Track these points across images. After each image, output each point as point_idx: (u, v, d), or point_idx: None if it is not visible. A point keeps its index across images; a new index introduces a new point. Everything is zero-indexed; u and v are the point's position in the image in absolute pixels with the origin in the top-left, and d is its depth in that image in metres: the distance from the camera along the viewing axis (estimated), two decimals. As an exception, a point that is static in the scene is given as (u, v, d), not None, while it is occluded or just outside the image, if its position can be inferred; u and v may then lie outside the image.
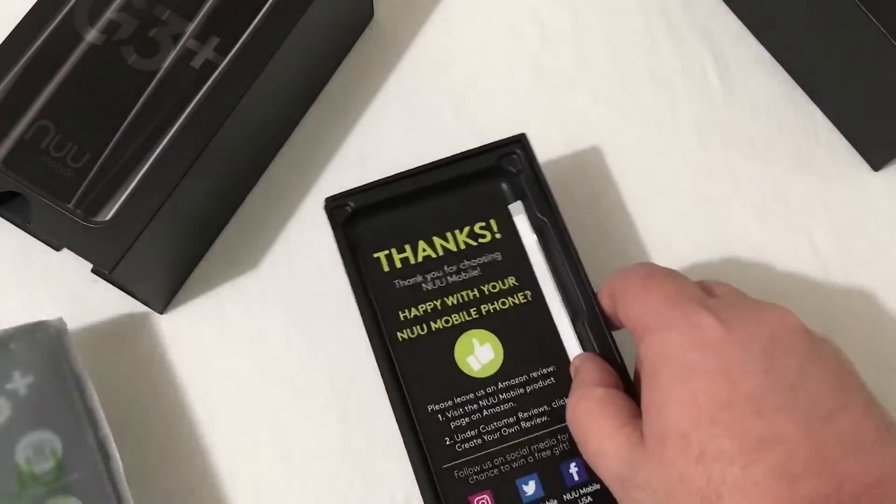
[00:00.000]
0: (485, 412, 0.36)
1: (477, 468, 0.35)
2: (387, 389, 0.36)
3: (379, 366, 0.36)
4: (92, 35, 0.39)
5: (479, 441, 0.35)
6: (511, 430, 0.35)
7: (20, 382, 0.37)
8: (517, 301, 0.37)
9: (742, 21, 0.48)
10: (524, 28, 0.48)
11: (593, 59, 0.48)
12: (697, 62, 0.48)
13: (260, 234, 0.44)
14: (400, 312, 0.37)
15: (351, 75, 0.47)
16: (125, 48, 0.39)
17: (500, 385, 0.36)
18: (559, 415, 0.35)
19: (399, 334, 0.37)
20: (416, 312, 0.37)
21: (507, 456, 0.35)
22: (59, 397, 0.37)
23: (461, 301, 0.37)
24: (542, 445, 0.35)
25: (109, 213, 0.37)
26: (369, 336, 0.37)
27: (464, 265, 0.38)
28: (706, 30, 0.48)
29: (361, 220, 0.39)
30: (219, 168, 0.40)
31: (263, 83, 0.39)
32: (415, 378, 0.36)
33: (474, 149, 0.40)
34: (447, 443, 0.35)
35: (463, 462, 0.35)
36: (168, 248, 0.40)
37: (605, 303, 0.35)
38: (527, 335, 0.37)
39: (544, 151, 0.46)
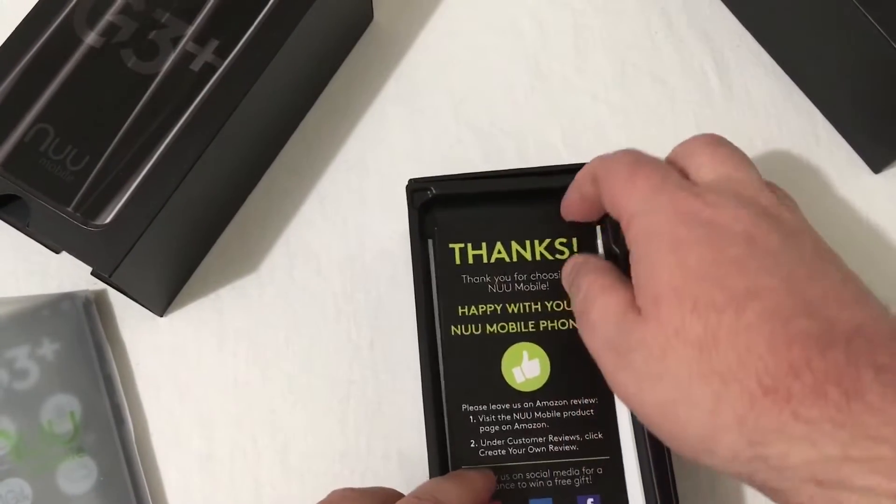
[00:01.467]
0: (517, 426, 0.36)
1: (495, 478, 0.35)
2: (423, 380, 0.36)
3: (421, 355, 0.36)
4: (91, 38, 0.39)
5: (504, 452, 0.35)
6: (538, 449, 0.35)
7: (48, 348, 0.40)
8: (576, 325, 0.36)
9: (742, 21, 0.48)
10: (524, 28, 0.48)
11: (593, 59, 0.48)
12: (697, 62, 0.48)
13: (260, 236, 0.44)
14: (460, 307, 0.37)
15: (351, 77, 0.47)
16: (124, 51, 0.39)
17: (538, 403, 0.36)
18: (590, 448, 0.35)
19: (453, 328, 0.37)
20: (475, 311, 0.37)
21: (527, 473, 0.35)
22: (82, 364, 0.40)
23: (522, 311, 0.37)
24: (564, 473, 0.35)
25: (109, 217, 0.37)
26: (418, 322, 0.37)
27: (534, 276, 0.38)
28: (706, 30, 0.48)
29: (439, 207, 0.39)
30: (218, 170, 0.40)
31: (263, 85, 0.39)
32: (456, 375, 0.36)
33: (570, 164, 0.40)
34: (471, 445, 0.35)
35: (483, 468, 0.35)
36: (168, 251, 0.40)
37: (586, 188, 0.35)
38: (577, 360, 0.35)
39: (544, 151, 0.46)
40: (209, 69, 0.39)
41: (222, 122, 0.38)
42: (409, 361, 0.42)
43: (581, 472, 0.35)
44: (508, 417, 0.36)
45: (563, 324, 0.37)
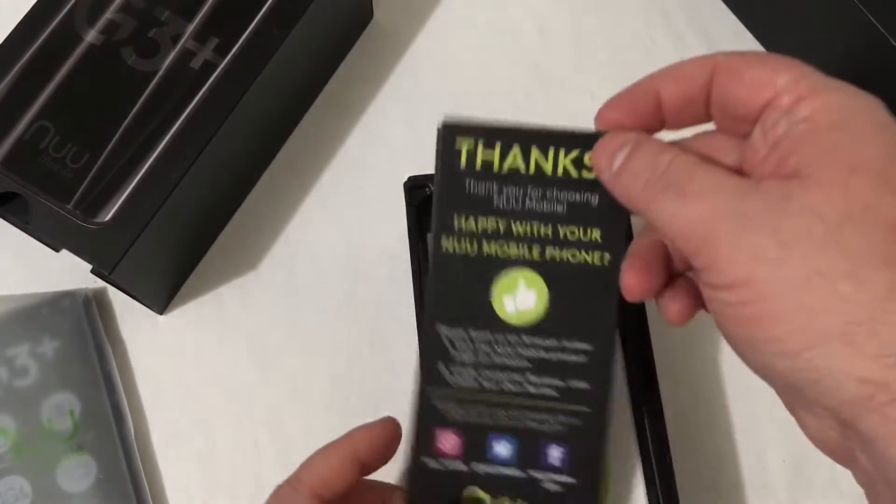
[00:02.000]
0: (495, 358, 0.32)
1: (459, 405, 0.32)
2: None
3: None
4: (91, 35, 0.39)
5: (475, 383, 0.32)
6: (513, 387, 0.32)
7: (48, 346, 0.40)
8: (589, 260, 0.32)
9: (742, 21, 0.48)
10: (524, 28, 0.48)
11: (593, 59, 0.48)
12: (697, 62, 0.48)
13: (259, 234, 0.44)
14: (457, 216, 0.32)
15: (350, 75, 0.47)
16: (125, 49, 0.39)
17: (525, 338, 0.32)
18: (572, 396, 0.32)
19: (445, 240, 0.32)
20: (473, 225, 0.32)
21: (494, 409, 0.32)
22: (82, 362, 0.40)
23: (528, 233, 0.32)
24: (535, 416, 0.32)
25: (109, 214, 0.37)
26: (418, 319, 0.34)
27: (551, 194, 0.32)
28: (706, 29, 0.48)
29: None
30: (218, 168, 0.40)
31: (263, 83, 0.39)
32: (439, 292, 0.32)
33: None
34: (439, 368, 0.32)
35: (448, 393, 0.32)
36: (167, 249, 0.40)
37: (694, 73, 0.29)
38: (580, 300, 0.32)
39: (544, 151, 0.46)
40: (209, 67, 0.39)
41: (222, 119, 0.38)
42: (409, 360, 0.42)
43: (555, 418, 0.32)
44: (487, 349, 0.32)
45: (573, 255, 0.32)
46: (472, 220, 0.32)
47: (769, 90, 0.27)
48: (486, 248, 0.32)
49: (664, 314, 0.31)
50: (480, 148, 0.32)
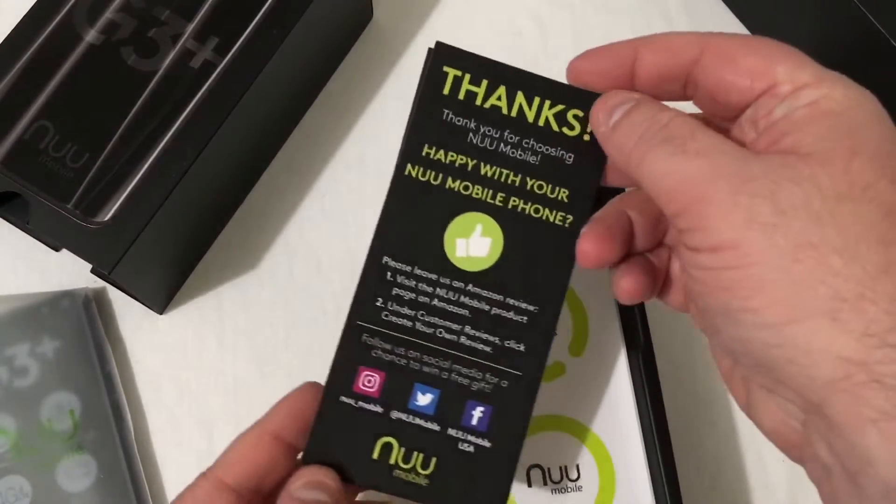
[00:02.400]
0: (435, 302, 0.30)
1: (387, 346, 0.30)
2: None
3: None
4: (91, 35, 0.39)
5: (410, 324, 0.30)
6: (449, 336, 0.30)
7: (48, 346, 0.40)
8: (552, 218, 0.31)
9: (742, 21, 0.48)
10: (524, 28, 0.48)
11: (593, 59, 0.48)
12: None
13: (259, 234, 0.44)
14: (427, 146, 0.31)
15: (350, 75, 0.47)
16: (124, 48, 0.39)
17: (469, 287, 0.31)
18: (505, 356, 0.30)
19: (410, 167, 0.31)
20: (441, 157, 0.31)
21: (424, 356, 0.30)
22: (82, 361, 0.40)
23: (496, 177, 0.31)
24: (465, 371, 0.30)
25: (109, 214, 0.37)
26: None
27: (527, 143, 0.31)
28: (705, 29, 0.48)
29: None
30: (218, 168, 0.40)
31: (262, 83, 0.39)
32: (391, 221, 0.31)
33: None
34: (377, 303, 0.30)
35: (378, 331, 0.30)
36: (167, 249, 0.40)
37: (679, 47, 0.28)
38: (534, 259, 0.31)
39: (544, 151, 0.46)
40: (209, 67, 0.39)
41: (222, 119, 0.38)
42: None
43: (484, 377, 0.30)
44: (430, 290, 0.30)
45: (536, 210, 0.31)
46: (442, 152, 0.31)
47: (767, 79, 0.27)
48: (449, 183, 0.31)
49: (615, 289, 0.31)
50: (467, 79, 0.31)
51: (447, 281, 0.31)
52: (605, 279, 0.41)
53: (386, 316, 0.30)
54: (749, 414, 0.29)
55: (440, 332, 0.30)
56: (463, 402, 0.30)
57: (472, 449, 0.30)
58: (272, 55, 0.39)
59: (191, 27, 0.39)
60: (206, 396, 0.42)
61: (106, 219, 0.37)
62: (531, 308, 0.31)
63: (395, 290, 0.30)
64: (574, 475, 0.38)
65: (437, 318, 0.31)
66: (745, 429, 0.42)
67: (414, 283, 0.31)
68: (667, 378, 0.39)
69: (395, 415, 0.30)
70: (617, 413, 0.39)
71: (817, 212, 0.24)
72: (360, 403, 0.30)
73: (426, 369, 0.30)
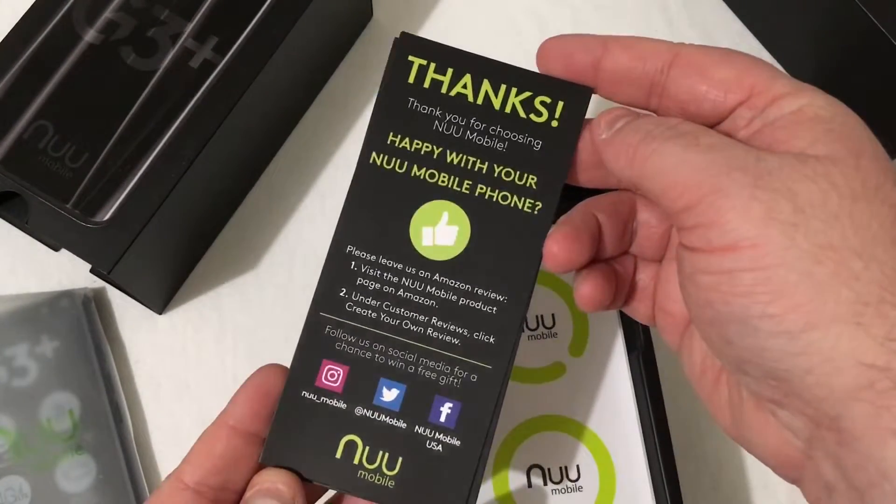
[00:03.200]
0: (401, 293, 0.30)
1: (352, 339, 0.29)
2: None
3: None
4: (90, 35, 0.39)
5: (374, 315, 0.29)
6: (415, 328, 0.29)
7: (48, 346, 0.40)
8: (521, 205, 0.30)
9: (742, 20, 0.48)
10: (524, 27, 0.48)
11: (593, 59, 0.48)
12: (697, 61, 0.48)
13: (259, 234, 0.44)
14: (392, 134, 0.30)
15: (350, 74, 0.47)
16: (124, 48, 0.39)
17: (436, 276, 0.30)
18: (473, 349, 0.29)
19: (374, 155, 0.30)
20: (407, 145, 0.30)
21: (390, 349, 0.29)
22: (81, 361, 0.40)
23: (463, 165, 0.30)
24: (432, 365, 0.29)
25: (108, 213, 0.37)
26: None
27: (494, 130, 0.30)
28: (707, 29, 0.48)
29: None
30: (217, 168, 0.40)
31: (262, 83, 0.39)
32: (356, 209, 0.30)
33: None
34: (341, 294, 0.30)
35: (342, 322, 0.29)
36: (167, 248, 0.40)
37: (657, 56, 0.28)
38: (503, 247, 0.30)
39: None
40: (208, 66, 0.39)
41: (221, 119, 0.38)
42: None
43: (452, 371, 0.29)
44: (395, 279, 0.30)
45: (504, 198, 0.30)
46: (407, 140, 0.31)
47: (741, 90, 0.27)
48: (415, 171, 0.30)
49: (576, 295, 0.30)
50: (432, 68, 0.31)
51: (413, 271, 0.30)
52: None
53: (350, 307, 0.29)
54: (738, 435, 0.28)
55: (406, 325, 0.29)
56: (430, 398, 0.29)
57: (440, 448, 0.29)
58: (272, 55, 0.39)
59: (190, 27, 0.39)
60: (206, 396, 0.42)
61: (105, 219, 0.36)
62: (501, 298, 0.30)
63: (360, 281, 0.30)
64: (574, 475, 0.38)
65: (403, 310, 0.30)
66: (746, 429, 0.42)
67: (379, 273, 0.30)
68: (667, 378, 0.39)
69: (359, 411, 0.29)
70: (617, 413, 0.39)
71: (835, 211, 0.23)
72: (323, 399, 0.29)
73: (392, 363, 0.29)
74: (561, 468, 0.38)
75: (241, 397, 0.29)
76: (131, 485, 0.39)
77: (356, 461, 0.28)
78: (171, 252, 0.41)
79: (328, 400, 0.29)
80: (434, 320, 0.30)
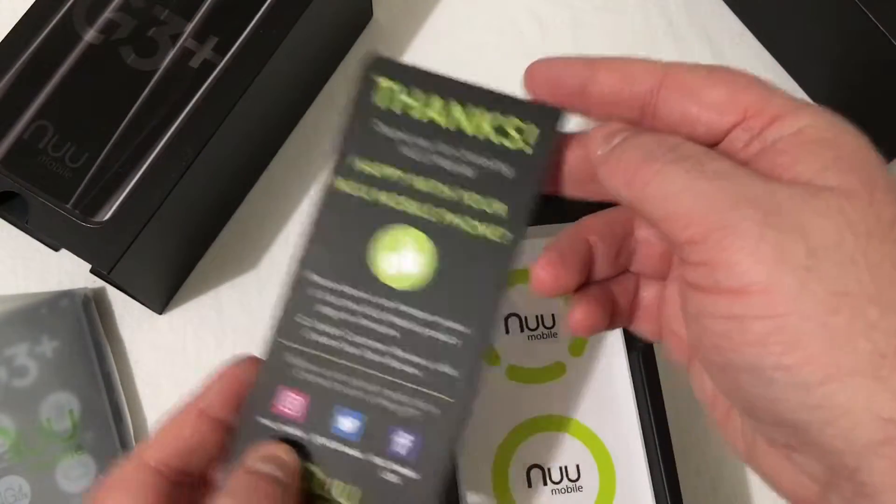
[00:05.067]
0: (362, 321, 0.29)
1: (311, 366, 0.29)
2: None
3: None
4: (90, 35, 0.39)
5: (335, 344, 0.29)
6: (375, 357, 0.29)
7: (47, 346, 0.40)
8: (488, 235, 0.29)
9: (742, 21, 0.48)
10: (524, 27, 0.48)
11: (593, 59, 0.48)
12: (698, 61, 0.48)
13: (259, 234, 0.44)
14: (359, 156, 0.29)
15: (350, 75, 0.47)
16: (124, 48, 0.39)
17: (399, 306, 0.29)
18: (436, 381, 0.29)
19: (339, 180, 0.29)
20: (372, 170, 0.29)
21: (350, 378, 0.29)
22: (81, 361, 0.40)
23: (430, 191, 0.29)
24: (393, 395, 0.29)
25: (108, 214, 0.37)
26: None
27: (463, 154, 0.29)
28: (706, 29, 0.48)
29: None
30: (217, 168, 0.40)
31: (262, 83, 0.39)
32: (320, 236, 0.29)
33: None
34: (299, 320, 0.29)
35: (301, 350, 0.29)
36: (166, 248, 0.40)
37: (645, 77, 0.27)
38: (469, 276, 0.29)
39: (544, 151, 0.46)
40: (208, 66, 0.39)
41: (221, 119, 0.38)
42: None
43: (412, 402, 0.29)
44: (357, 308, 0.29)
45: (473, 227, 0.29)
46: (373, 164, 0.30)
47: (735, 112, 0.25)
48: (380, 196, 0.29)
49: (570, 321, 0.29)
50: (402, 91, 0.30)
51: (375, 299, 0.29)
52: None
53: (310, 335, 0.29)
54: (753, 466, 0.27)
55: (367, 354, 0.29)
56: (390, 429, 0.28)
57: (398, 480, 0.28)
58: (272, 55, 0.39)
59: (190, 27, 0.39)
60: (206, 396, 0.42)
61: (105, 218, 0.36)
62: (464, 329, 0.29)
63: (320, 308, 0.29)
64: (574, 475, 0.38)
65: (364, 339, 0.29)
66: (746, 429, 0.42)
67: (340, 301, 0.29)
68: (667, 378, 0.39)
69: (316, 440, 0.28)
70: (617, 413, 0.39)
71: (850, 253, 0.22)
72: (281, 426, 0.28)
73: (351, 392, 0.29)
74: (561, 468, 0.38)
75: (215, 384, 0.28)
76: (131, 485, 0.39)
77: (314, 491, 0.28)
78: (171, 252, 0.41)
79: (286, 426, 0.28)
80: (396, 350, 0.29)
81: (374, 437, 0.28)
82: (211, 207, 0.43)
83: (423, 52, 0.48)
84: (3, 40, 0.39)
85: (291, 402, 0.28)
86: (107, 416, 0.40)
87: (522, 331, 0.40)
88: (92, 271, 0.37)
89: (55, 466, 0.39)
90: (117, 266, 0.36)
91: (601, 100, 0.27)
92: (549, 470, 0.38)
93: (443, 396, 0.29)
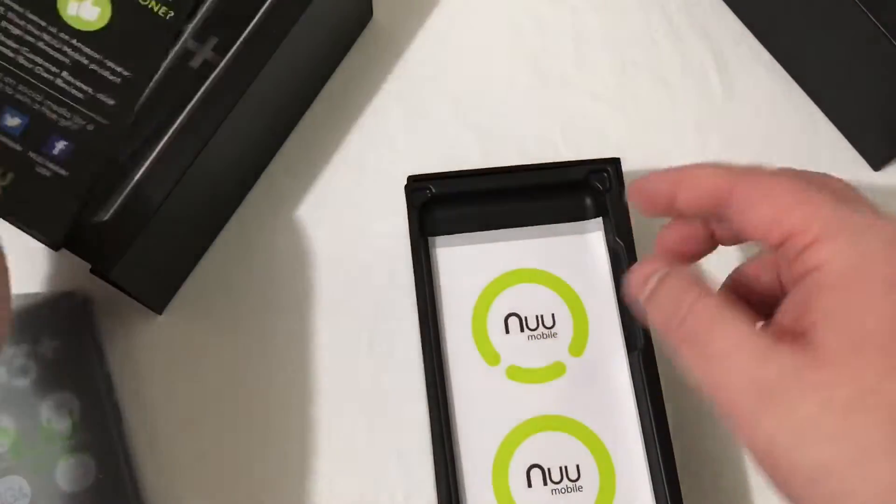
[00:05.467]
0: (39, 44, 0.36)
1: None
2: (427, 388, 0.37)
3: (424, 357, 0.36)
4: (90, 35, 0.39)
5: (12, 55, 0.35)
6: (46, 74, 0.36)
7: (47, 346, 0.40)
8: (156, 9, 0.38)
9: (742, 21, 0.48)
10: (524, 27, 0.48)
11: (593, 59, 0.48)
12: (697, 62, 0.48)
13: (259, 235, 0.44)
14: None
15: (350, 75, 0.47)
16: (124, 48, 0.39)
17: (73, 41, 0.36)
18: (94, 105, 0.36)
19: None
20: None
21: (20, 85, 0.35)
22: (81, 362, 0.40)
23: None
24: (55, 108, 0.35)
25: (108, 214, 0.37)
26: (421, 323, 0.37)
27: None
28: (706, 30, 0.48)
29: (439, 206, 0.39)
30: (217, 168, 0.40)
31: (262, 83, 0.39)
32: None
33: (566, 161, 0.41)
34: None
35: None
36: (167, 248, 0.40)
37: (717, 189, 0.29)
38: (136, 35, 0.37)
39: (544, 150, 0.46)
40: (208, 66, 0.39)
41: (221, 119, 0.38)
42: (408, 361, 0.42)
43: (72, 118, 0.35)
44: (36, 32, 0.36)
45: (145, 1, 0.37)
46: None
47: (782, 231, 0.27)
48: None
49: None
50: None
51: (53, 30, 0.36)
52: (604, 279, 0.41)
53: None
54: None
55: (39, 70, 0.35)
56: (48, 133, 0.35)
57: (48, 174, 0.34)
58: (272, 55, 0.39)
59: (190, 27, 0.39)
60: (206, 396, 0.42)
61: (105, 219, 0.36)
62: (125, 73, 0.36)
63: (4, 24, 0.35)
64: (574, 475, 0.38)
65: (38, 57, 0.35)
66: (746, 429, 0.42)
67: (23, 23, 0.36)
68: (667, 378, 0.39)
69: None
70: (617, 413, 0.39)
71: (832, 432, 0.24)
72: None
73: (19, 97, 0.35)
74: (561, 468, 0.38)
75: None
76: (131, 485, 0.39)
77: None
78: (172, 252, 0.41)
79: None
80: (65, 74, 0.36)
81: (34, 137, 0.35)
82: (211, 208, 0.43)
83: (422, 51, 0.48)
84: None
85: None
86: (106, 417, 0.40)
87: (522, 331, 0.40)
88: (92, 271, 0.37)
89: (55, 466, 0.39)
90: (117, 266, 0.36)
91: (689, 211, 0.30)
92: (549, 470, 0.38)
93: (98, 118, 0.36)
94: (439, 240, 0.41)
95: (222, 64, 0.39)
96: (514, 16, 0.49)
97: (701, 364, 0.27)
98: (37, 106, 0.35)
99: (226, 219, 0.44)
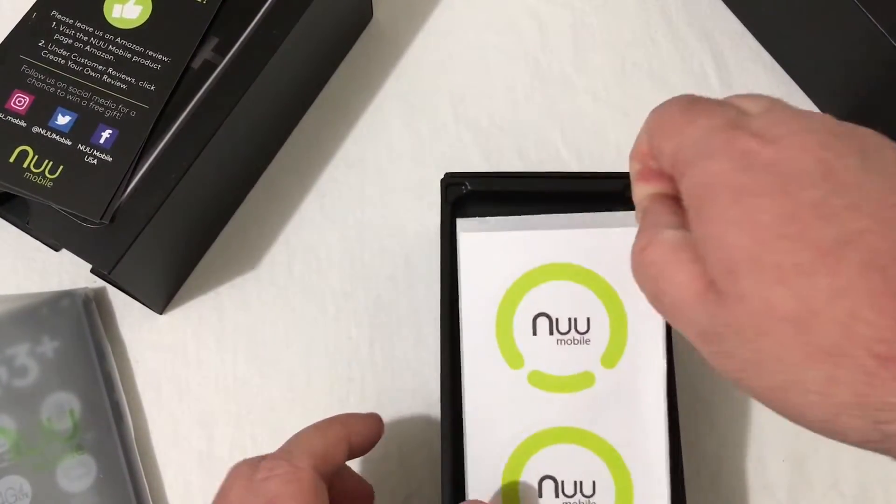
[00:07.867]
0: (87, 48, 0.38)
1: (41, 77, 0.38)
2: (441, 382, 0.36)
3: (441, 353, 0.35)
4: (91, 35, 0.39)
5: (63, 62, 0.38)
6: (93, 74, 0.38)
7: (48, 346, 0.40)
8: None
9: (742, 21, 0.48)
10: (524, 28, 0.48)
11: (593, 59, 0.48)
12: (697, 61, 0.48)
13: (259, 234, 0.44)
14: None
15: (350, 75, 0.47)
16: (124, 48, 0.39)
17: (118, 39, 0.39)
18: (136, 93, 0.38)
19: None
20: None
21: (70, 88, 0.38)
22: (82, 361, 0.40)
23: None
24: (102, 101, 0.38)
25: (109, 214, 0.37)
26: (441, 319, 0.36)
27: None
28: (706, 30, 0.48)
29: (471, 205, 0.38)
30: (218, 168, 0.40)
31: (262, 83, 0.39)
32: None
33: (604, 172, 0.38)
34: (39, 43, 0.38)
35: (35, 64, 0.38)
36: (167, 248, 0.40)
37: (643, 148, 0.29)
38: (175, 23, 0.39)
39: (544, 150, 0.46)
40: (209, 67, 0.39)
41: (221, 120, 0.38)
42: (409, 360, 0.42)
43: (117, 108, 0.38)
44: (85, 38, 0.38)
45: None
46: None
47: (665, 164, 0.28)
48: None
49: None
50: None
51: (100, 34, 0.38)
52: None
53: (45, 55, 0.38)
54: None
55: (87, 70, 0.38)
56: (95, 125, 0.37)
57: (95, 161, 0.37)
58: (272, 55, 0.39)
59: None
60: (206, 396, 0.42)
61: (106, 219, 0.36)
62: (165, 59, 0.38)
63: (56, 36, 0.38)
64: (589, 491, 0.35)
65: (87, 60, 0.38)
66: (746, 429, 0.42)
67: (73, 31, 0.38)
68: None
69: (35, 130, 0.37)
70: (643, 434, 0.35)
71: (756, 359, 0.25)
72: (8, 118, 0.37)
73: (70, 97, 0.37)
74: (576, 482, 0.35)
75: (359, 423, 0.34)
76: (131, 485, 0.39)
77: (25, 165, 0.36)
78: (172, 252, 0.41)
79: (12, 119, 0.37)
80: (111, 70, 0.38)
81: (83, 130, 0.37)
82: (211, 208, 0.43)
83: (423, 53, 0.48)
84: (3, 40, 0.39)
85: (20, 101, 0.37)
86: (107, 416, 0.40)
87: (552, 333, 0.36)
88: (92, 271, 0.37)
89: (56, 466, 0.39)
90: (118, 266, 0.36)
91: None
92: (562, 483, 0.35)
93: (140, 104, 0.38)
94: (467, 224, 0.37)
95: (222, 64, 0.39)
96: (514, 16, 0.49)
97: (669, 317, 0.27)
98: (85, 102, 0.37)
99: (226, 218, 0.45)
